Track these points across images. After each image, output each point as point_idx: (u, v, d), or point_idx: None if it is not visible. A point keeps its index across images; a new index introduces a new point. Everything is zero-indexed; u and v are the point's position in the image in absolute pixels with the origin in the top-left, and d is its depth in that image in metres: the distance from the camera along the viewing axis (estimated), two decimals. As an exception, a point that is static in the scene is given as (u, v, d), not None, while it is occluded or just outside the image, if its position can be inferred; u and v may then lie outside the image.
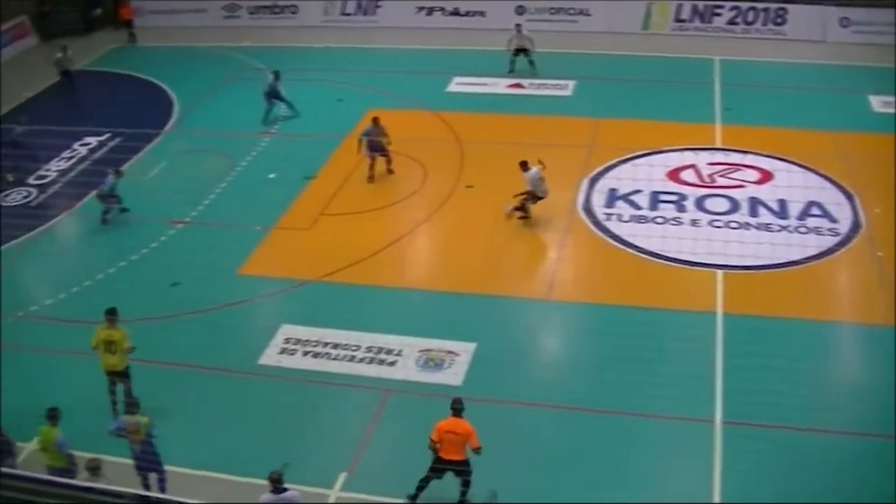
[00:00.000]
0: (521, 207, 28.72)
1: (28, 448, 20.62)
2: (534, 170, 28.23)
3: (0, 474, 13.16)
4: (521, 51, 39.64)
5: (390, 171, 32.52)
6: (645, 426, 21.07)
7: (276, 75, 37.74)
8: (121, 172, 30.83)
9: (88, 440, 19.54)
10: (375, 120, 32.12)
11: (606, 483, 19.60)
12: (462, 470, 18.83)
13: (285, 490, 17.29)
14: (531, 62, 39.79)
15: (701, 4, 44.13)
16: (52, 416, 19.23)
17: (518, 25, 40.21)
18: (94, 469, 18.26)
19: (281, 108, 37.81)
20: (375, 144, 32.05)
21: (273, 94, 37.54)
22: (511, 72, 39.68)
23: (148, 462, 19.48)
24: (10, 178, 31.91)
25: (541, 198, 28.54)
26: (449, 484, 19.04)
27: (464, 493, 19.07)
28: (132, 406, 19.58)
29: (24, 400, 20.64)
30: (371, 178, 32.17)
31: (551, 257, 27.84)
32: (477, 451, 18.57)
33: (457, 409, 18.89)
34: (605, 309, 25.28)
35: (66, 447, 19.00)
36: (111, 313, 22.14)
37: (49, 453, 19.18)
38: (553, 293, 26.01)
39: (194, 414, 20.80)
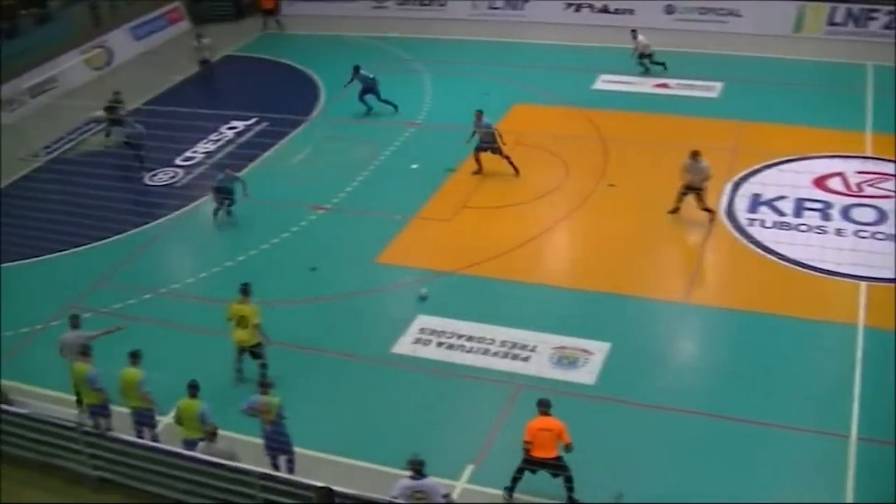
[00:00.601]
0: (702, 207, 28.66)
1: (164, 420, 21.10)
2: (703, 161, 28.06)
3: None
4: (644, 56, 39.21)
5: (513, 170, 32.30)
6: (777, 437, 20.66)
7: (359, 72, 38.26)
8: (237, 178, 31.13)
9: (219, 418, 19.84)
10: (479, 113, 32.13)
11: (733, 491, 19.31)
12: (558, 466, 18.79)
13: (424, 477, 17.39)
14: (660, 63, 39.52)
15: (856, 7, 43.04)
16: (194, 389, 19.77)
17: (633, 31, 39.63)
18: (212, 434, 18.67)
19: (377, 105, 38.11)
20: (489, 139, 31.97)
21: (368, 90, 37.95)
22: (645, 72, 39.39)
23: (278, 443, 19.81)
24: None
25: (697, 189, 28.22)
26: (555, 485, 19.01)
27: (570, 492, 18.96)
28: (265, 386, 19.87)
29: (164, 375, 21.05)
30: (479, 171, 32.40)
31: (691, 260, 27.56)
32: (568, 447, 18.55)
33: (545, 408, 18.91)
34: (744, 315, 24.84)
35: (209, 418, 19.47)
36: (245, 289, 23.01)
37: (188, 425, 19.70)
38: (691, 297, 25.68)
39: (326, 398, 21.05)
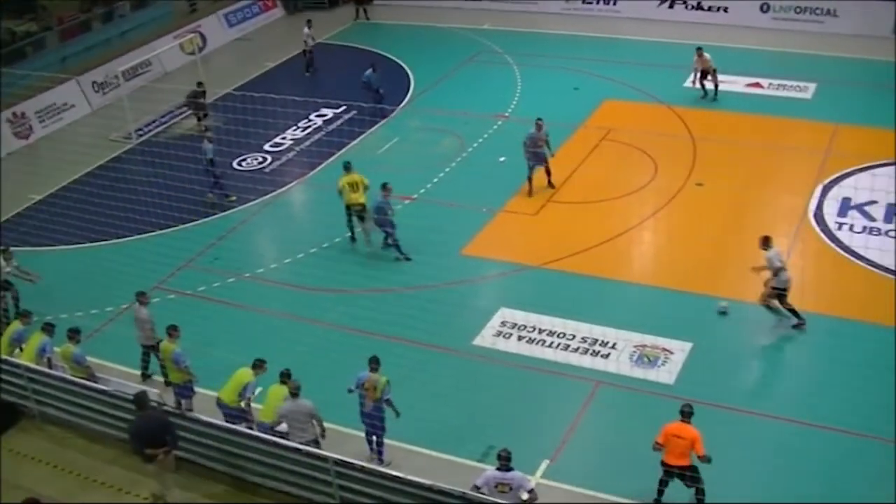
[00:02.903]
0: (768, 306, 24.31)
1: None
2: (774, 249, 24.04)
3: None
4: (706, 73, 37.29)
5: (550, 185, 31.36)
6: (858, 445, 20.36)
7: (374, 68, 38.35)
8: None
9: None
10: (539, 123, 30.95)
11: (808, 497, 19.08)
12: (688, 476, 18.53)
13: (512, 469, 17.39)
14: (714, 88, 37.28)
15: (957, 9, 42.11)
16: (284, 377, 20.04)
17: (699, 49, 37.34)
18: (295, 390, 19.14)
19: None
20: (538, 154, 30.99)
21: (368, 87, 38.04)
22: (703, 97, 37.43)
23: (375, 419, 20.12)
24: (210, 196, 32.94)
25: (782, 290, 23.89)
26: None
27: (700, 499, 18.81)
28: (374, 361, 20.04)
29: (241, 358, 21.25)
30: (530, 193, 31.10)
31: (777, 263, 27.06)
32: (702, 458, 18.26)
33: (686, 413, 18.58)
34: (829, 320, 24.44)
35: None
36: (347, 165, 29.10)
37: (271, 411, 19.93)
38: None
39: (405, 388, 21.04)
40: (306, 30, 43.46)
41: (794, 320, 23.91)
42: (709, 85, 37.05)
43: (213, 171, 31.90)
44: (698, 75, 37.01)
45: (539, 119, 30.90)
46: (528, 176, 30.99)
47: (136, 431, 19.18)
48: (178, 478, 19.77)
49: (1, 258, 27.05)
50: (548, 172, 31.18)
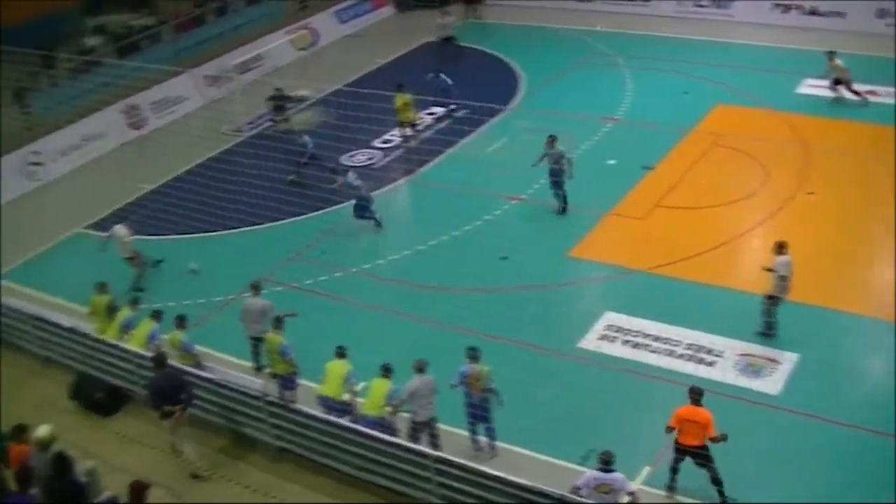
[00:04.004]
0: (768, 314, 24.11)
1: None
2: (785, 257, 23.66)
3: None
4: (838, 82, 36.57)
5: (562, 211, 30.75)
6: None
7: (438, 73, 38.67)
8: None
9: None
10: (552, 140, 30.59)
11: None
12: (701, 455, 18.73)
13: (613, 471, 17.38)
14: (854, 92, 36.49)
15: None
16: (386, 371, 20.35)
17: (830, 53, 36.71)
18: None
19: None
20: (555, 172, 30.44)
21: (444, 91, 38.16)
22: (836, 100, 36.74)
23: (482, 410, 20.28)
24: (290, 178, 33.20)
25: (779, 298, 23.77)
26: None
27: (720, 491, 18.97)
28: (473, 351, 20.24)
29: (355, 352, 21.41)
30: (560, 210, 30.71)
31: (889, 276, 26.19)
32: (714, 440, 18.48)
33: (696, 398, 18.84)
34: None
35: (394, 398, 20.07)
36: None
37: (375, 404, 20.13)
38: (887, 313, 24.60)
39: (507, 388, 20.95)
40: (443, 19, 43.61)
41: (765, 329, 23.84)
42: (848, 94, 36.27)
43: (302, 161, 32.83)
44: (832, 80, 36.46)
45: (550, 136, 30.61)
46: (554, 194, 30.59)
47: (155, 389, 20.52)
48: (191, 431, 21.01)
49: (121, 230, 28.09)
50: (557, 198, 30.63)
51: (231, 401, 21.23)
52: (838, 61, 36.02)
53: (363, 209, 30.08)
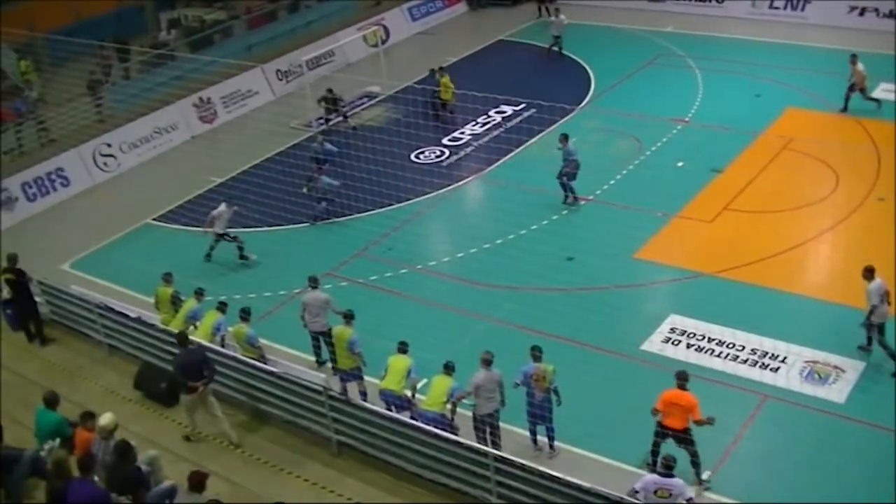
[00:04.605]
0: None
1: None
2: (877, 282, 22.69)
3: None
4: (857, 89, 35.60)
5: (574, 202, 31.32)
6: None
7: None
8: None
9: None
10: (564, 139, 31.01)
11: None
12: (683, 438, 19.04)
13: (674, 476, 17.34)
14: (874, 100, 35.81)
15: None
16: (448, 368, 20.40)
17: (853, 56, 35.28)
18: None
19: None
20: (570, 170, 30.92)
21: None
22: (844, 109, 36.04)
23: (543, 411, 20.30)
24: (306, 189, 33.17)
25: (878, 324, 22.72)
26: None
27: (697, 471, 19.35)
28: (536, 349, 20.29)
29: (416, 349, 21.53)
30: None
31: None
32: (699, 423, 18.79)
33: (682, 382, 19.19)
34: None
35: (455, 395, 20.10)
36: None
37: (436, 401, 20.18)
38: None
39: (570, 388, 20.93)
40: (558, 17, 43.66)
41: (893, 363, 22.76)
42: (864, 98, 35.54)
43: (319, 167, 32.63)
44: (849, 86, 35.65)
45: (563, 134, 31.04)
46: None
47: (180, 366, 21.22)
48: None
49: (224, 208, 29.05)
50: (563, 188, 31.12)
51: (293, 394, 21.36)
52: (860, 66, 35.25)
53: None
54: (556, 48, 44.26)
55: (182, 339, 21.53)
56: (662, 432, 19.31)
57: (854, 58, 35.18)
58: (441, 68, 38.71)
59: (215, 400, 21.41)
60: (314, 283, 23.95)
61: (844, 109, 35.70)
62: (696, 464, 19.36)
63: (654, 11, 49.10)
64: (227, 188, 33.97)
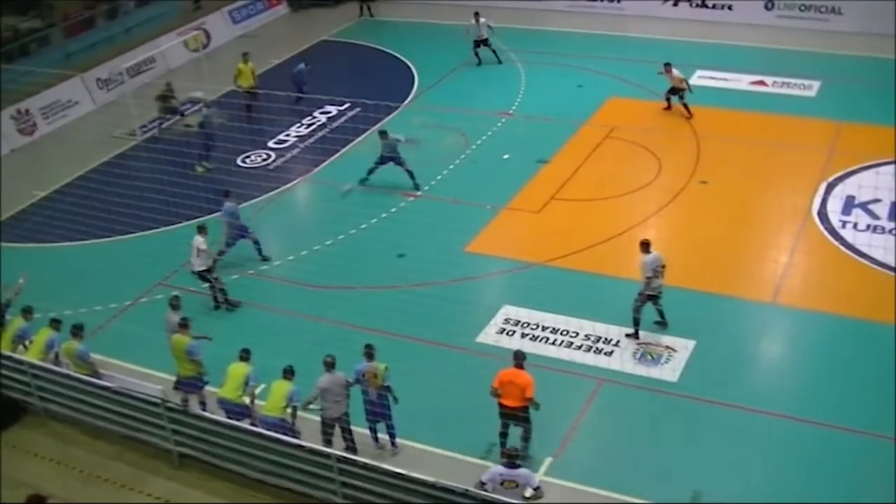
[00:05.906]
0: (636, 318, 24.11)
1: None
2: (653, 255, 23.67)
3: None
4: (673, 91, 35.89)
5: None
6: (859, 443, 20.36)
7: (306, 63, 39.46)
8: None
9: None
10: (385, 135, 31.78)
11: (809, 495, 19.07)
12: (520, 416, 19.50)
13: (519, 467, 17.52)
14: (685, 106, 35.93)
15: (962, 7, 41.72)
16: (287, 372, 20.35)
17: (667, 65, 35.62)
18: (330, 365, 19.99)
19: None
20: (394, 158, 31.64)
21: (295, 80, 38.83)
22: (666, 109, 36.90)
23: (381, 409, 20.27)
24: (199, 169, 32.62)
25: (652, 296, 23.72)
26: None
27: (524, 447, 19.71)
28: (369, 347, 20.27)
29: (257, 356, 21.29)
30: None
31: (780, 261, 26.88)
32: (531, 401, 19.27)
33: (519, 361, 19.79)
34: (832, 319, 24.49)
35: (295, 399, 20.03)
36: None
37: (275, 405, 20.07)
38: (779, 297, 25.36)
39: (408, 385, 20.98)
40: (481, 20, 42.57)
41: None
42: (680, 105, 35.68)
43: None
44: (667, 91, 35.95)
45: (381, 131, 32.13)
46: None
47: None
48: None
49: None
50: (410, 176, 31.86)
51: (130, 408, 20.97)
52: (676, 72, 35.52)
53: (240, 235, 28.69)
54: (492, 51, 42.31)
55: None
56: (505, 414, 19.61)
57: (668, 66, 35.54)
58: (245, 55, 38.81)
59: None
60: (173, 306, 23.06)
61: (668, 108, 36.15)
62: (526, 438, 19.74)
63: (474, 7, 48.84)
64: (52, 201, 33.09)
